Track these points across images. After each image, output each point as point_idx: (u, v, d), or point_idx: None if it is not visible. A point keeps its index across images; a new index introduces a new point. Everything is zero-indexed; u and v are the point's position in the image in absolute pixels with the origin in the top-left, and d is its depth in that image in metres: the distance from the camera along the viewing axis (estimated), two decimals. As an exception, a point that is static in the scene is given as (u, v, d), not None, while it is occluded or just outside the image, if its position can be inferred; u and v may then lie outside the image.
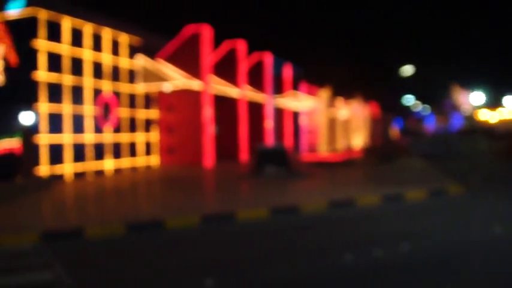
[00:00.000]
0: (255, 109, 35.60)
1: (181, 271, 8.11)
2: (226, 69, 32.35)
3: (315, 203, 13.79)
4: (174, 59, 28.76)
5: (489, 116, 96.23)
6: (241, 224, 11.89)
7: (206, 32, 28.61)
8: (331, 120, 48.37)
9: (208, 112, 28.69)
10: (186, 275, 7.86)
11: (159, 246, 9.98)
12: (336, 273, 7.78)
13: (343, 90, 50.69)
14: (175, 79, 27.19)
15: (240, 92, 32.80)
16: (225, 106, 32.11)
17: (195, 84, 27.86)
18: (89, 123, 23.87)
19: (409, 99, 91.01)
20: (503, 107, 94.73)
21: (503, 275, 7.54)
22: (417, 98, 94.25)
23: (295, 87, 42.63)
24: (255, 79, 35.94)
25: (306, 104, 43.97)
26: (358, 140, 55.97)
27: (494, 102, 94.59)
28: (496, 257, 8.52)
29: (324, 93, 45.88)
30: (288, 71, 41.13)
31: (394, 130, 78.24)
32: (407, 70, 62.36)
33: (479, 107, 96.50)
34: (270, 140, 36.16)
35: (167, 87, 27.36)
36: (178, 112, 29.10)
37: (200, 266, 8.37)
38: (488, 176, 20.55)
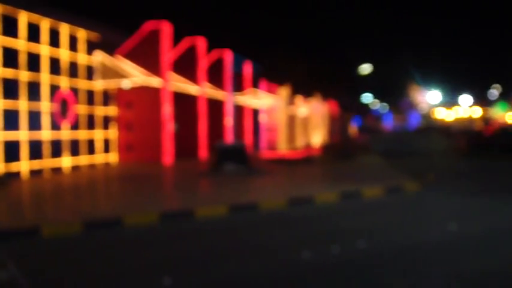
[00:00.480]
0: (215, 106, 35.52)
1: (139, 269, 8.08)
2: (185, 67, 32.17)
3: (274, 200, 13.89)
4: (133, 56, 28.48)
5: (445, 115, 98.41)
6: (200, 221, 11.89)
7: (166, 29, 28.42)
8: (290, 118, 48.57)
9: (167, 109, 28.52)
10: (144, 274, 7.84)
11: (117, 244, 9.91)
12: (294, 270, 7.87)
13: (303, 88, 51.02)
14: (134, 76, 26.95)
15: (200, 90, 32.70)
16: (184, 103, 31.95)
17: (154, 81, 27.66)
18: (46, 120, 23.47)
19: (367, 98, 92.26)
20: (459, 105, 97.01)
21: (458, 271, 7.74)
22: (375, 97, 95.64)
23: (255, 85, 42.70)
24: (215, 76, 35.86)
25: (265, 101, 44.11)
26: (317, 137, 56.37)
27: (450, 101, 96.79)
28: (451, 254, 8.74)
29: (284, 91, 46.05)
30: (247, 69, 41.17)
31: (353, 128, 79.12)
32: (366, 68, 63.14)
33: (436, 106, 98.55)
34: (229, 137, 36.15)
35: (126, 84, 27.10)
36: (137, 109, 28.84)
37: (158, 264, 8.35)
38: (444, 173, 21.02)
